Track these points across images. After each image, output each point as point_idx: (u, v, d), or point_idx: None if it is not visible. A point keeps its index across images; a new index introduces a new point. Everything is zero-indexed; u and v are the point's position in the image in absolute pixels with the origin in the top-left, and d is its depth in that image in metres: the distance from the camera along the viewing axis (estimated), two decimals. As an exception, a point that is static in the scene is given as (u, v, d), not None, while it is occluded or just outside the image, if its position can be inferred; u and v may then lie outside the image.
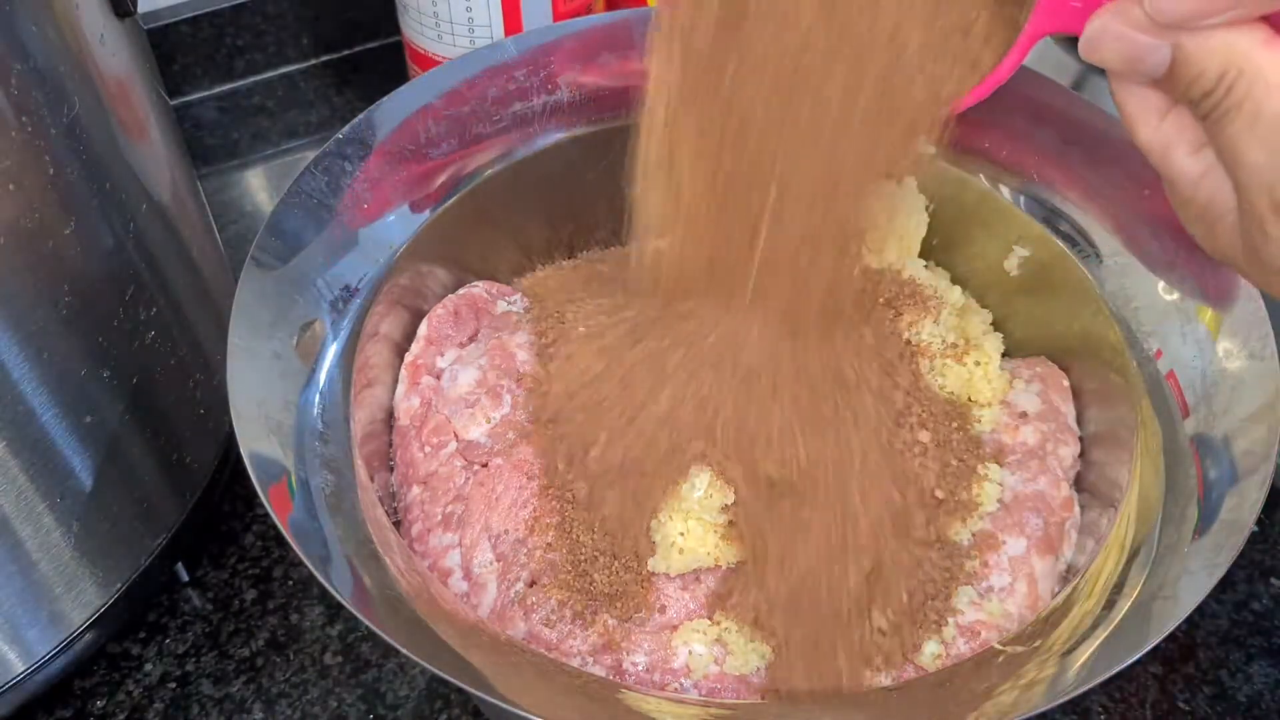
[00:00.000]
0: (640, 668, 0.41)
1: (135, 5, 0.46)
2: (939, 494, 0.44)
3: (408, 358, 0.50)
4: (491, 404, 0.47)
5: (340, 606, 0.44)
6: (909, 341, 0.49)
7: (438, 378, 0.49)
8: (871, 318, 0.48)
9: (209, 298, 0.53)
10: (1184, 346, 0.44)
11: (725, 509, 0.43)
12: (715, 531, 0.43)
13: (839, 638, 0.41)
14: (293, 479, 0.40)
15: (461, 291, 0.52)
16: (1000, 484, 0.46)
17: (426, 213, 0.50)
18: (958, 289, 0.53)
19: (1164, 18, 0.29)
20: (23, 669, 0.47)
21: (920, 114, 0.38)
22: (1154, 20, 0.29)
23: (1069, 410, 0.49)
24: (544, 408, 0.46)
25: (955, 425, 0.47)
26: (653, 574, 0.43)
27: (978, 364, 0.49)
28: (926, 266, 0.54)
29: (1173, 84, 0.31)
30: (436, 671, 0.34)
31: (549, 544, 0.43)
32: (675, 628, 0.42)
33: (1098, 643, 0.37)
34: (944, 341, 0.50)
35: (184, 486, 0.52)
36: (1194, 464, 0.41)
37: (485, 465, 0.45)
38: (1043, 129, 0.51)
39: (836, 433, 0.43)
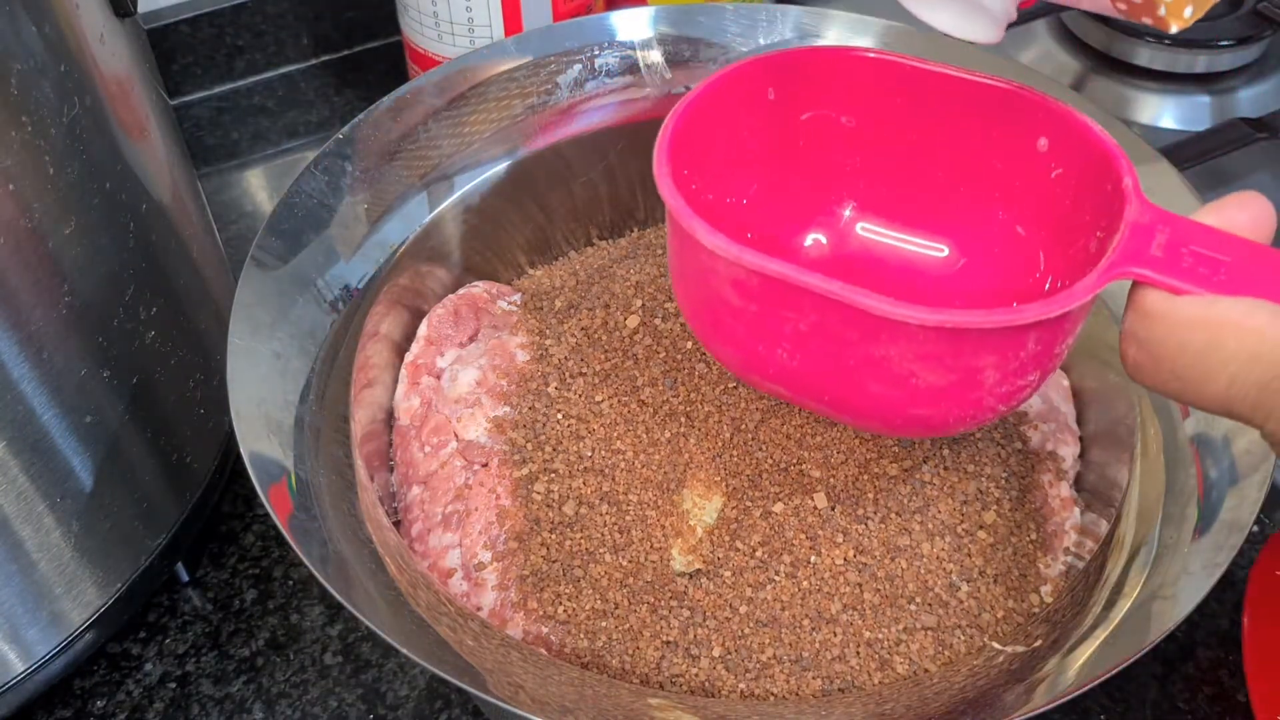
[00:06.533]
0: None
1: (135, 5, 0.46)
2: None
3: (408, 358, 0.50)
4: (492, 404, 0.47)
5: (340, 606, 0.44)
6: None
7: (438, 378, 0.49)
8: None
9: (209, 298, 0.53)
10: (1184, 346, 0.44)
11: (722, 516, 0.43)
12: (710, 537, 0.43)
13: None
14: (293, 479, 0.39)
15: (461, 291, 0.52)
16: None
17: (427, 213, 0.51)
18: (958, 289, 0.53)
19: None
20: (23, 669, 0.47)
21: None
22: None
23: (1069, 410, 0.49)
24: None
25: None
26: (654, 576, 0.43)
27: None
28: (926, 266, 0.54)
29: None
30: (436, 671, 0.34)
31: (547, 543, 0.43)
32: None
33: (1098, 643, 0.37)
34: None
35: (184, 486, 0.52)
36: (1194, 464, 0.41)
37: (485, 465, 0.45)
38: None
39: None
